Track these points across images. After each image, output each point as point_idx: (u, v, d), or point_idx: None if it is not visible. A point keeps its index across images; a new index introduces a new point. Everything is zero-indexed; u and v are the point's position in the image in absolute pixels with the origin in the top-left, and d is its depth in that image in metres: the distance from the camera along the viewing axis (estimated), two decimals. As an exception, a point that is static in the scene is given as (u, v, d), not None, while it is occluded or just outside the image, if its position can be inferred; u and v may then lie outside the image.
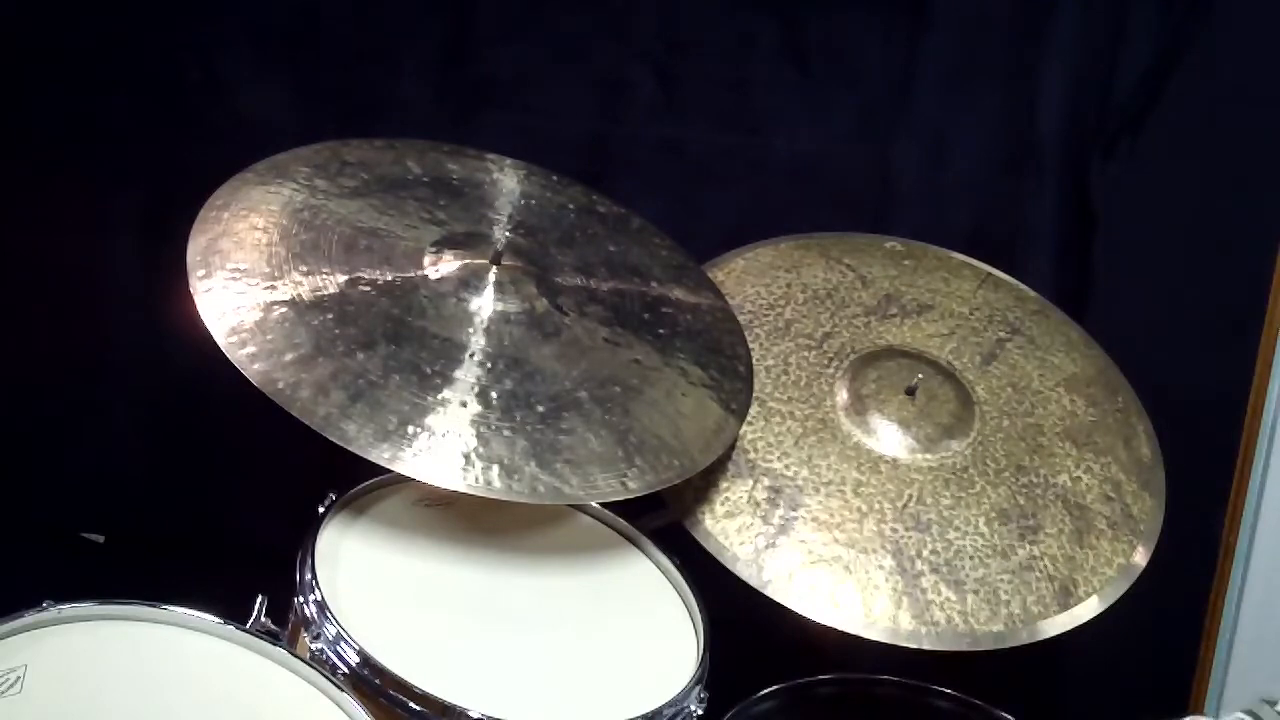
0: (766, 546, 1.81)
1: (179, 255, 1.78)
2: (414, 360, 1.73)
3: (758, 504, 1.84)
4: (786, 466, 1.87)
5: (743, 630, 1.78)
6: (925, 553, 1.82)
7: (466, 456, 1.67)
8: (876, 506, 1.85)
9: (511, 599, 1.72)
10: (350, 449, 1.65)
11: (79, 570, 2.33)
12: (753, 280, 2.10)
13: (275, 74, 2.27)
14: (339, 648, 1.58)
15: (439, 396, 1.71)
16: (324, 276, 1.78)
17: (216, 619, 1.54)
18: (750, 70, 2.35)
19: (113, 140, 2.26)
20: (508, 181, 2.04)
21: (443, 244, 1.88)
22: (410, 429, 1.67)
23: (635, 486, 1.74)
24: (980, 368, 2.04)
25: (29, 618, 1.46)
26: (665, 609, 1.78)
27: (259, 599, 1.62)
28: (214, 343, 1.69)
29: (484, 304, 1.82)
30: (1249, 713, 1.32)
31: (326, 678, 1.52)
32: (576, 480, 1.70)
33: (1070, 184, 2.36)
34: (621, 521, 1.85)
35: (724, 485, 1.85)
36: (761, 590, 1.78)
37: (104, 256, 2.29)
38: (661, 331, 1.91)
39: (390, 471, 1.67)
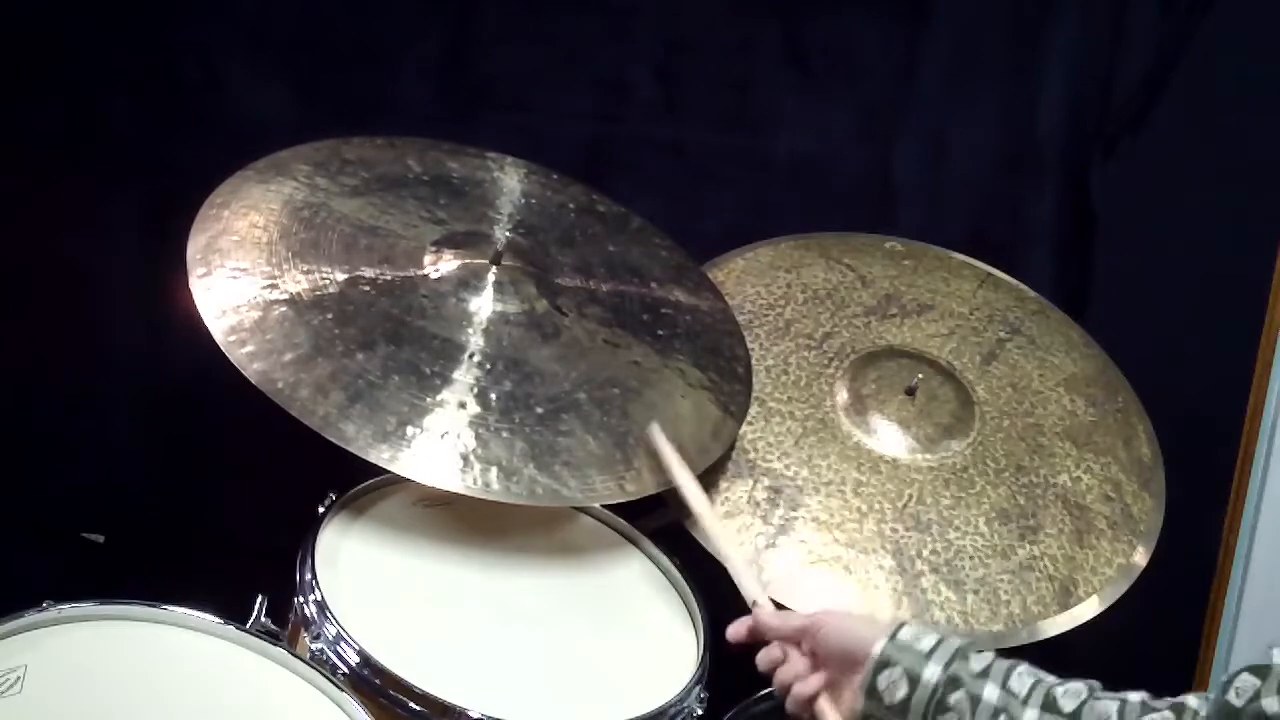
0: (766, 546, 1.81)
1: (179, 255, 1.78)
2: (413, 361, 1.73)
3: (758, 504, 1.84)
4: (786, 466, 1.87)
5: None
6: (925, 553, 1.82)
7: (465, 458, 1.67)
8: (876, 506, 1.85)
9: (511, 599, 1.72)
10: (349, 449, 1.65)
11: (79, 570, 2.33)
12: (753, 280, 2.10)
13: (275, 74, 2.27)
14: (339, 648, 1.58)
15: (438, 397, 1.71)
16: (324, 276, 1.78)
17: (216, 619, 1.54)
18: (750, 70, 2.35)
19: (113, 140, 2.26)
20: (508, 180, 2.04)
21: (443, 243, 1.88)
22: (409, 430, 1.67)
23: (633, 489, 1.74)
24: (980, 368, 2.04)
25: (29, 618, 1.46)
26: (665, 609, 1.78)
27: (259, 599, 1.62)
28: (214, 342, 1.69)
29: (483, 304, 1.82)
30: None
31: (326, 678, 1.52)
32: (575, 482, 1.70)
33: (1070, 184, 2.36)
34: (621, 521, 1.85)
35: (724, 485, 1.85)
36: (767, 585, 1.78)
37: (104, 257, 2.29)
38: (661, 333, 1.91)
39: (390, 471, 1.67)
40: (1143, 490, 1.97)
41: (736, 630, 1.55)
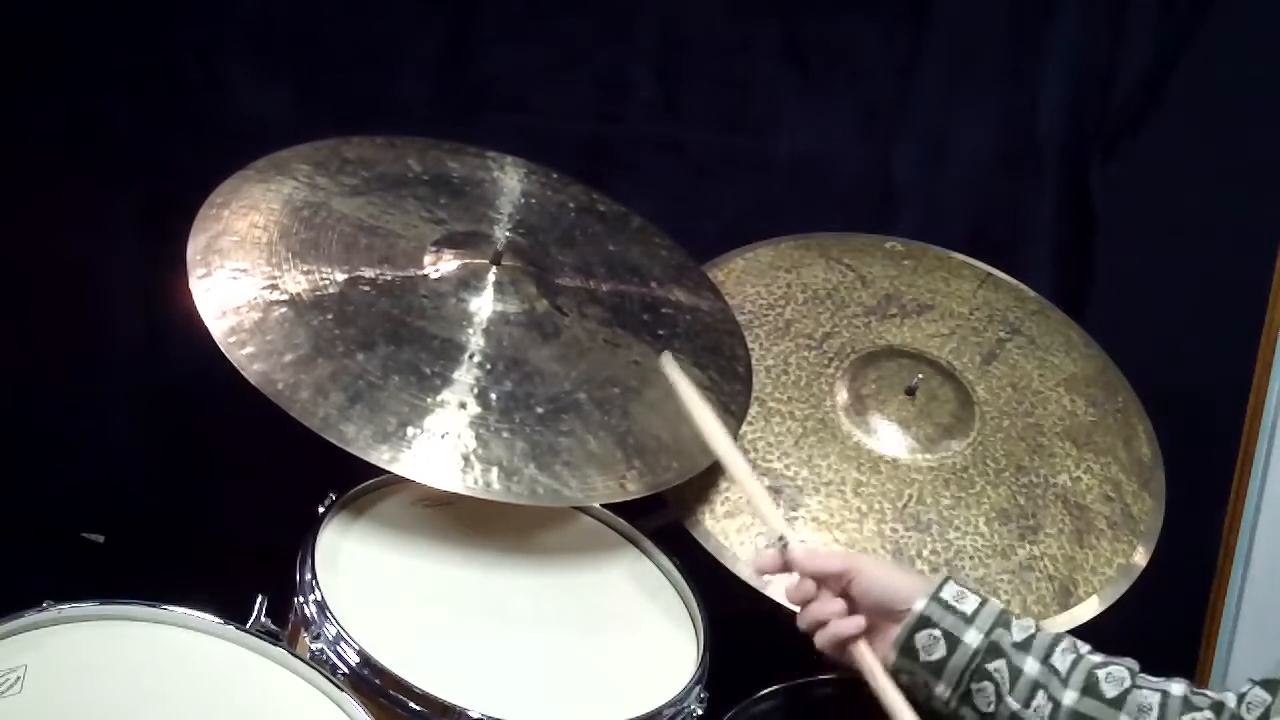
0: (767, 547, 1.80)
1: (179, 255, 1.78)
2: (413, 361, 1.73)
3: (758, 504, 1.84)
4: (786, 466, 1.87)
5: (743, 630, 1.78)
6: (925, 553, 1.82)
7: (466, 458, 1.67)
8: (876, 506, 1.85)
9: (512, 599, 1.72)
10: (349, 450, 1.65)
11: (79, 570, 2.33)
12: (753, 280, 2.10)
13: (275, 74, 2.27)
14: (339, 648, 1.58)
15: (438, 398, 1.71)
16: (324, 276, 1.78)
17: (216, 619, 1.54)
18: (750, 70, 2.35)
19: (113, 140, 2.26)
20: (508, 180, 2.04)
21: (443, 243, 1.87)
22: (409, 430, 1.67)
23: (634, 488, 1.74)
24: (980, 368, 2.04)
25: (29, 618, 1.46)
26: (665, 609, 1.78)
27: (259, 599, 1.62)
28: (214, 342, 1.69)
29: (483, 304, 1.82)
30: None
31: (326, 678, 1.52)
32: (575, 482, 1.70)
33: (1070, 184, 2.36)
34: (621, 521, 1.85)
35: (724, 485, 1.85)
36: (761, 590, 1.78)
37: (104, 257, 2.29)
38: (661, 333, 1.91)
39: (390, 471, 1.67)
40: (1143, 490, 1.97)
41: (767, 561, 1.52)
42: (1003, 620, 1.42)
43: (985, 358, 2.05)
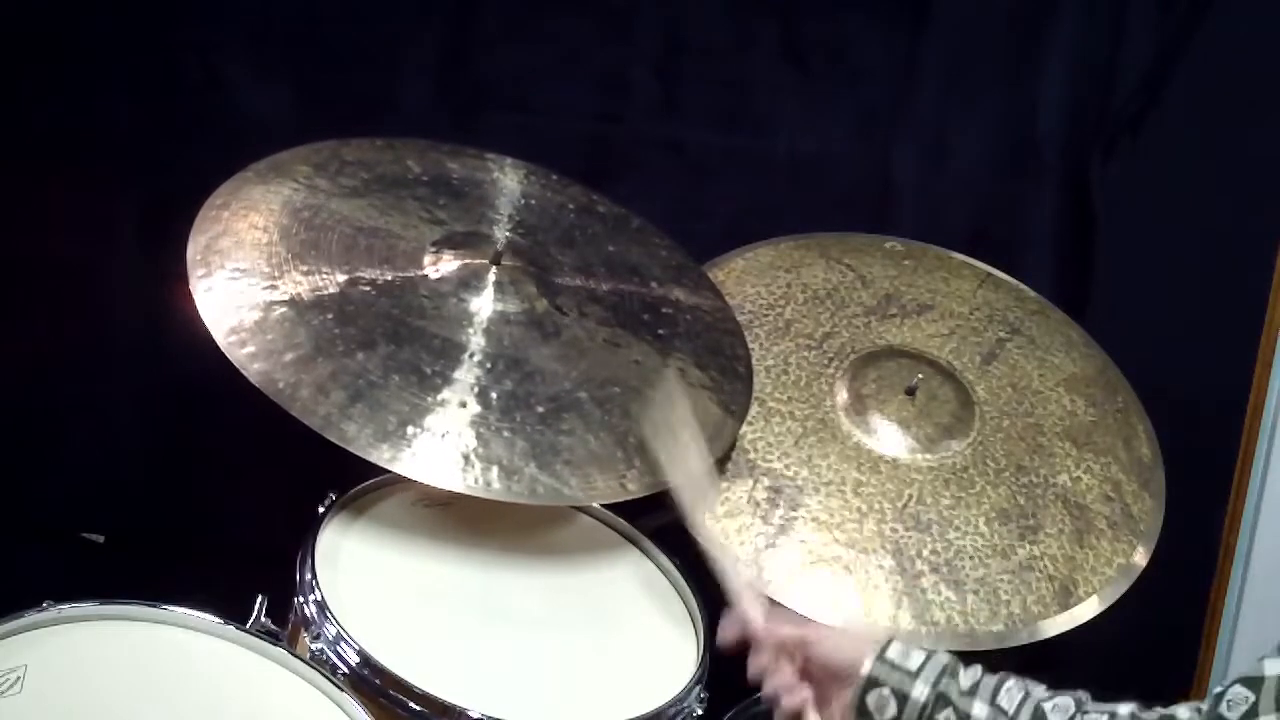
0: (766, 546, 1.81)
1: (179, 255, 1.78)
2: (414, 360, 1.73)
3: (758, 504, 1.84)
4: (786, 466, 1.87)
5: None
6: (925, 553, 1.82)
7: (466, 457, 1.67)
8: (876, 506, 1.85)
9: (511, 599, 1.72)
10: (350, 449, 1.65)
11: (79, 570, 2.33)
12: (753, 280, 2.10)
13: (275, 75, 2.27)
14: (339, 648, 1.58)
15: (438, 397, 1.71)
16: (324, 276, 1.78)
17: (216, 619, 1.54)
18: (750, 70, 2.35)
19: (113, 140, 2.26)
20: (508, 181, 2.04)
21: (443, 243, 1.88)
22: (410, 429, 1.67)
23: (634, 488, 1.74)
24: (980, 368, 2.04)
25: (29, 618, 1.46)
26: (665, 609, 1.78)
27: (259, 599, 1.62)
28: (214, 342, 1.69)
29: (484, 304, 1.82)
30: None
31: (326, 678, 1.52)
32: (576, 482, 1.70)
33: (1070, 184, 2.36)
34: (621, 521, 1.85)
35: (724, 485, 1.85)
36: (761, 590, 1.78)
37: (104, 257, 2.29)
38: (661, 332, 1.91)
39: (390, 471, 1.67)
40: (1143, 490, 1.97)
41: (726, 633, 1.55)
42: (949, 670, 1.44)
43: (985, 358, 2.05)
